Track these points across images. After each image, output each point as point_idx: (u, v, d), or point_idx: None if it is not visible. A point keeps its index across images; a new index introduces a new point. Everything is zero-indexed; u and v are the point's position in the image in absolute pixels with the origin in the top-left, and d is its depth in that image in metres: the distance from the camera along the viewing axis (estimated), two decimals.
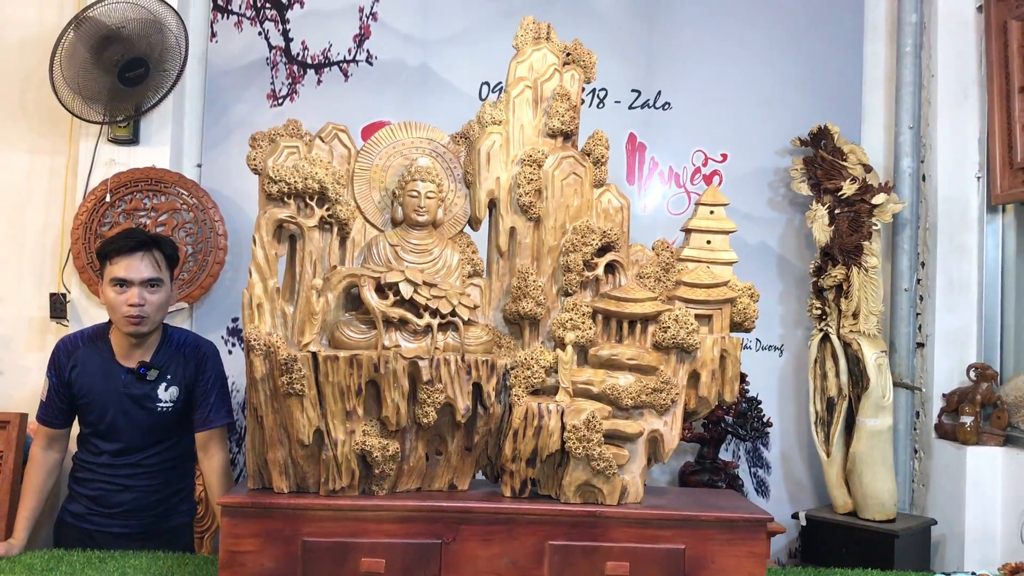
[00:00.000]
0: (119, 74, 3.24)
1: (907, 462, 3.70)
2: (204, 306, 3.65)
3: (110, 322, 2.73)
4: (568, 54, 2.44)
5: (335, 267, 2.22)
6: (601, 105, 3.81)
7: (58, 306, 3.43)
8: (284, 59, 3.73)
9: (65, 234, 3.51)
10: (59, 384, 2.70)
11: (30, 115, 3.65)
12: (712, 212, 2.42)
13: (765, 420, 3.59)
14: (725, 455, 3.65)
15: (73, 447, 2.83)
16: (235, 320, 3.67)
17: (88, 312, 3.46)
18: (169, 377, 2.71)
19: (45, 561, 2.53)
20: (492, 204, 2.35)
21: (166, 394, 2.70)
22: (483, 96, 3.75)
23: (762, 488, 3.74)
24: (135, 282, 2.60)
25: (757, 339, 3.78)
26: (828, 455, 3.49)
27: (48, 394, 2.71)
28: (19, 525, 2.69)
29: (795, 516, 3.56)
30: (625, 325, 2.26)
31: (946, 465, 3.54)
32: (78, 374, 2.68)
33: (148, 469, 2.74)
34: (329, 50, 3.74)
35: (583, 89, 2.52)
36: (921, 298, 3.75)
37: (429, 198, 2.27)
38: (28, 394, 3.50)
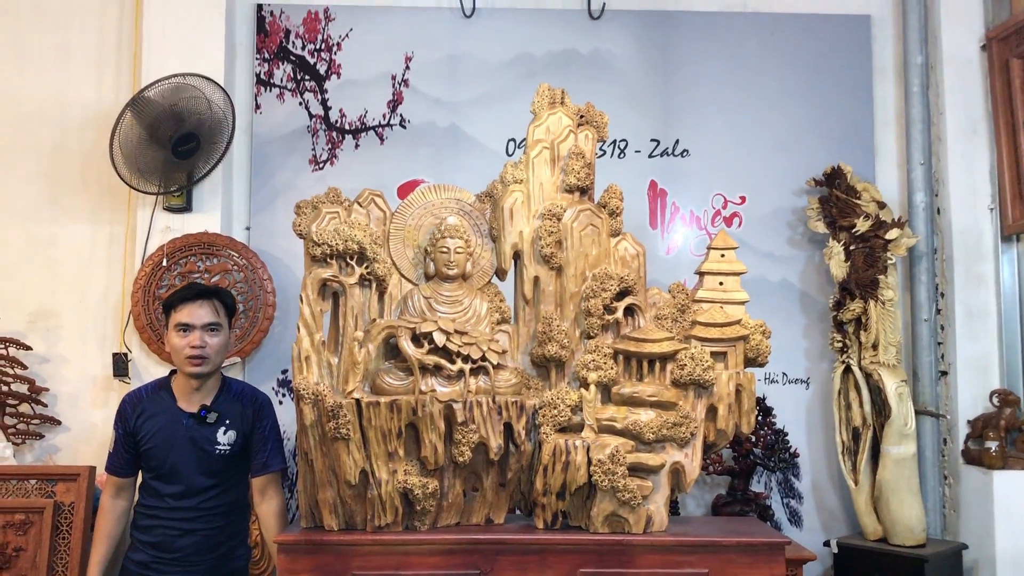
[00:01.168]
0: (173, 148, 3.51)
1: (936, 488, 3.79)
2: (255, 360, 3.87)
3: (172, 373, 2.95)
4: (582, 116, 2.64)
5: (375, 320, 2.43)
6: (622, 155, 4.00)
7: (120, 365, 3.67)
8: (324, 126, 3.98)
9: (126, 297, 3.77)
10: (125, 435, 2.90)
11: (91, 188, 3.93)
12: (723, 255, 2.59)
13: (792, 451, 3.70)
14: (757, 486, 3.76)
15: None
16: (284, 372, 3.87)
17: (148, 370, 3.70)
18: (228, 422, 2.91)
19: None
20: (516, 256, 2.54)
21: (224, 437, 2.90)
22: (510, 152, 3.96)
23: (795, 518, 3.83)
24: (197, 326, 2.82)
25: (784, 373, 3.91)
26: (856, 483, 3.59)
27: (115, 445, 2.91)
28: (91, 570, 2.84)
29: (827, 544, 3.66)
30: (645, 364, 2.43)
31: (974, 490, 3.62)
32: (143, 422, 2.89)
33: (206, 512, 2.92)
34: (365, 116, 3.99)
35: (599, 144, 2.71)
36: (942, 327, 3.86)
37: (458, 253, 2.48)
38: (95, 448, 3.74)
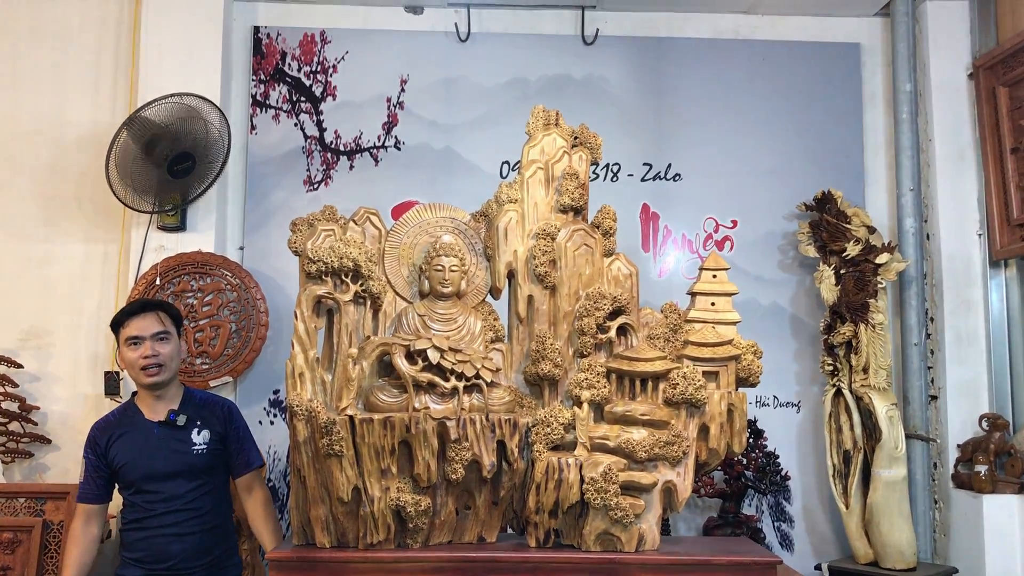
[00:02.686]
0: (168, 167, 3.53)
1: (927, 512, 3.79)
2: (247, 380, 3.87)
3: (133, 394, 2.99)
4: (576, 137, 2.67)
5: (369, 337, 2.44)
6: (615, 179, 4.03)
7: (112, 383, 3.66)
8: (319, 147, 4.01)
9: None
10: (97, 461, 2.92)
11: (85, 207, 3.93)
12: (715, 276, 2.61)
13: (783, 474, 3.71)
14: (748, 509, 3.77)
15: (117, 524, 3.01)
16: (276, 392, 3.87)
17: None
18: (199, 423, 2.94)
19: None
20: (511, 275, 2.56)
21: (199, 437, 2.93)
22: (504, 174, 3.99)
23: (786, 542, 3.84)
24: (146, 337, 2.87)
25: (775, 396, 3.93)
26: (847, 507, 3.60)
27: (86, 473, 2.93)
28: None
29: (818, 567, 3.66)
30: (637, 383, 2.45)
31: (964, 514, 3.63)
32: (115, 445, 2.91)
33: (193, 513, 2.91)
34: (360, 137, 4.02)
35: (592, 168, 2.74)
36: (932, 352, 3.88)
37: (453, 271, 2.49)
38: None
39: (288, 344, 3.82)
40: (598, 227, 2.61)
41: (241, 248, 3.97)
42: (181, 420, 2.91)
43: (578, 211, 2.61)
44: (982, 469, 3.54)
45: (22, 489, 3.37)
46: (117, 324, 2.97)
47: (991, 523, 3.49)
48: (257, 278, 3.81)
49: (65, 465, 3.79)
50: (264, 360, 3.84)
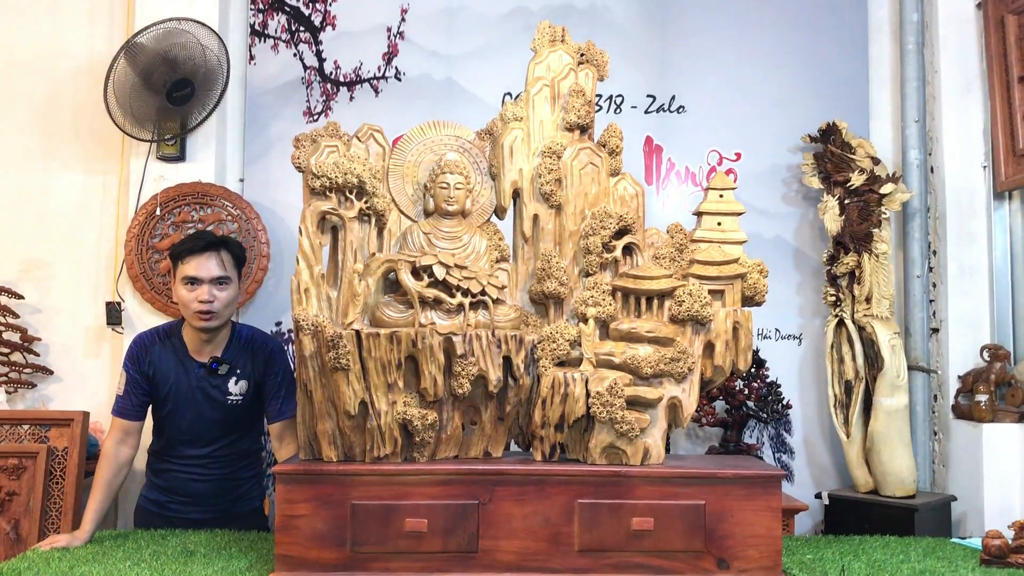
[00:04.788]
0: (167, 94, 3.49)
1: (926, 443, 3.82)
2: (249, 311, 3.87)
3: (181, 320, 2.93)
4: (582, 54, 2.64)
5: (373, 254, 2.42)
6: (618, 110, 4.00)
7: (114, 314, 3.66)
8: (318, 78, 3.96)
9: (119, 246, 3.75)
10: (138, 377, 2.87)
11: (83, 138, 3.90)
12: (721, 196, 2.59)
13: (785, 402, 3.73)
14: (749, 440, 3.79)
15: (147, 439, 3.00)
16: (278, 324, 3.87)
17: (141, 319, 3.69)
18: (239, 371, 2.90)
19: (113, 538, 2.74)
20: (516, 194, 2.54)
21: (236, 387, 2.90)
22: (503, 105, 3.94)
23: (786, 472, 3.87)
24: (205, 280, 2.79)
25: (776, 329, 3.93)
26: (848, 436, 3.62)
27: (125, 388, 2.87)
28: (87, 518, 2.74)
29: (818, 496, 3.69)
30: (643, 301, 2.44)
31: (964, 444, 3.66)
32: (156, 367, 2.87)
33: (219, 460, 2.93)
34: (360, 68, 3.97)
35: (595, 99, 2.70)
36: (934, 285, 3.88)
37: (458, 189, 2.47)
38: (87, 398, 3.73)
39: (290, 276, 3.85)
40: (604, 146, 2.58)
41: (241, 180, 3.94)
42: (223, 370, 2.87)
43: (584, 129, 2.58)
44: (983, 399, 3.55)
45: (26, 416, 3.38)
46: (176, 257, 2.85)
47: (990, 452, 3.52)
48: (257, 210, 3.79)
49: (67, 396, 3.80)
50: (265, 291, 3.84)
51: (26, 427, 3.34)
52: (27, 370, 3.72)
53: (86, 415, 3.36)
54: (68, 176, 3.89)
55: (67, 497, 3.28)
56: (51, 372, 3.78)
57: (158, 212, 3.65)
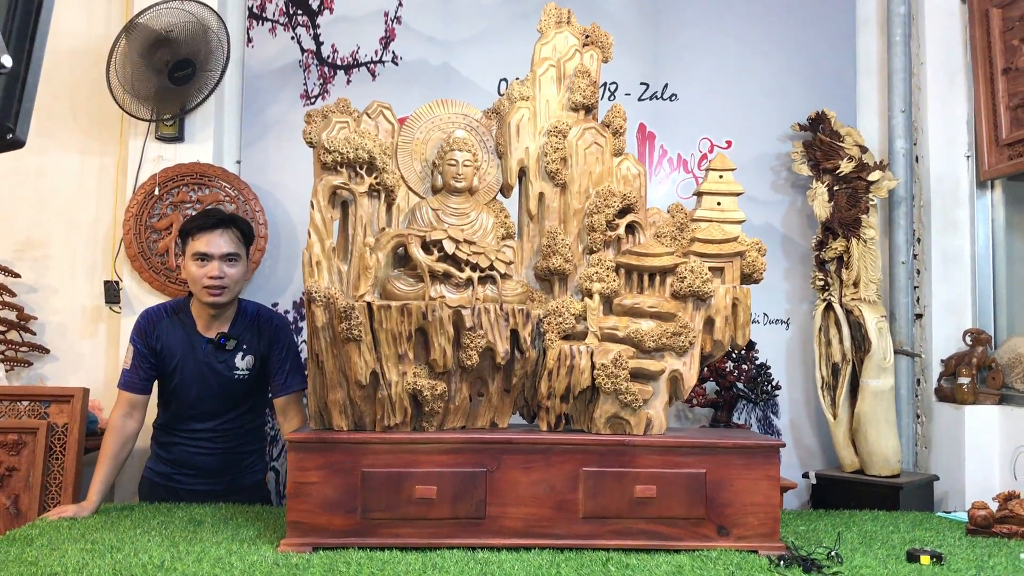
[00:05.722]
0: (168, 74, 3.51)
1: (910, 425, 3.92)
2: (246, 291, 3.88)
3: (189, 296, 2.96)
4: (587, 36, 2.70)
5: (383, 229, 2.47)
6: (612, 98, 4.06)
7: (112, 292, 3.68)
8: (316, 61, 3.99)
9: (117, 226, 3.77)
10: (146, 351, 2.90)
11: (80, 119, 3.91)
12: (721, 176, 2.67)
13: (774, 383, 3.81)
14: (738, 422, 3.87)
15: (152, 414, 3.03)
16: (275, 305, 3.90)
17: (139, 298, 3.71)
18: (245, 347, 2.94)
19: (119, 510, 2.77)
20: (522, 172, 2.60)
21: (243, 363, 2.94)
22: (501, 92, 4.00)
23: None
24: (215, 256, 2.83)
25: (765, 313, 4.02)
26: (835, 417, 3.71)
27: (133, 361, 2.90)
28: (93, 488, 2.78)
29: (806, 475, 3.78)
30: (646, 277, 2.51)
31: (946, 426, 3.76)
32: (163, 340, 2.91)
33: (225, 433, 2.97)
34: (357, 52, 4.01)
35: (601, 67, 2.77)
36: (918, 271, 3.98)
37: (466, 166, 2.53)
38: (83, 377, 3.75)
39: (286, 258, 3.91)
40: (608, 126, 2.64)
41: (238, 162, 3.97)
42: (230, 345, 2.91)
43: (589, 109, 2.64)
44: (965, 381, 3.65)
45: (26, 392, 3.39)
46: (187, 233, 2.89)
47: (972, 433, 3.62)
48: (254, 191, 3.82)
49: (63, 375, 3.81)
50: (263, 273, 3.87)
51: (26, 403, 3.35)
52: (23, 348, 3.73)
53: (86, 391, 3.38)
54: (65, 157, 3.90)
55: (67, 473, 3.29)
56: (47, 351, 3.80)
57: (157, 192, 3.68)
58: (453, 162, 2.52)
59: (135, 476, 3.31)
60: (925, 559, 2.27)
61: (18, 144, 1.35)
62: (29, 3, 1.28)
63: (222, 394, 2.93)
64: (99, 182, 3.89)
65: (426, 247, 2.41)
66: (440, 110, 2.60)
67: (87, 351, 3.82)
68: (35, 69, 1.32)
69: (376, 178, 2.45)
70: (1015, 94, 3.63)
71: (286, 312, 3.84)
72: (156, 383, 2.97)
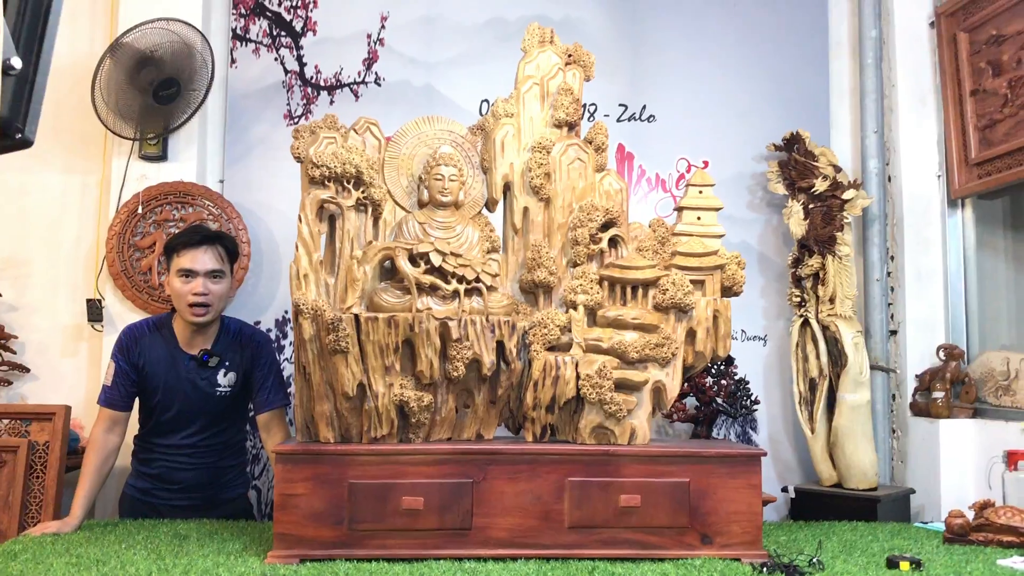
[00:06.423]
0: (153, 93, 3.53)
1: (886, 440, 3.98)
2: (229, 310, 3.86)
3: (171, 312, 2.98)
4: (570, 55, 2.76)
5: (370, 242, 2.50)
6: (592, 118, 4.12)
7: (94, 310, 3.68)
8: (299, 82, 4.03)
9: (100, 244, 3.77)
10: (128, 368, 2.91)
11: (63, 138, 3.92)
12: (701, 192, 2.73)
13: (753, 398, 3.86)
14: (718, 437, 3.91)
15: (133, 430, 3.03)
16: (257, 323, 3.90)
17: (121, 316, 3.70)
18: (228, 364, 2.95)
19: (102, 526, 2.76)
20: (507, 187, 2.65)
21: (225, 379, 2.95)
22: (483, 112, 4.06)
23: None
24: (200, 273, 2.85)
25: (743, 330, 4.07)
26: (812, 432, 3.76)
27: (114, 378, 2.91)
28: (76, 504, 2.78)
29: (784, 490, 3.82)
30: (629, 290, 2.55)
31: (921, 440, 3.82)
32: (146, 357, 2.91)
33: (205, 449, 2.97)
34: (340, 73, 4.05)
35: (583, 86, 2.83)
36: (892, 288, 4.06)
37: (452, 181, 2.57)
38: (63, 396, 3.71)
39: (269, 276, 3.93)
40: (591, 143, 2.70)
41: (221, 181, 3.98)
42: (213, 362, 2.93)
43: (572, 126, 2.70)
44: (939, 396, 3.72)
45: (7, 410, 3.37)
46: (171, 249, 2.91)
47: (946, 447, 3.68)
48: (237, 211, 3.84)
49: (44, 395, 3.79)
50: (245, 291, 3.88)
51: (6, 422, 3.32)
52: (3, 368, 3.71)
53: (68, 409, 3.36)
54: (48, 175, 3.90)
55: (48, 491, 3.27)
56: (27, 370, 3.77)
57: (140, 210, 3.68)
58: (439, 177, 2.57)
59: (115, 493, 3.29)
60: (905, 565, 2.31)
61: (27, 144, 1.38)
62: (38, 5, 1.32)
63: (204, 410, 2.94)
64: (82, 200, 3.89)
65: (413, 260, 2.44)
66: (426, 126, 2.65)
67: (68, 370, 3.80)
68: (43, 71, 1.35)
69: (363, 192, 2.49)
70: (983, 115, 3.72)
71: (268, 330, 3.85)
72: (137, 399, 2.97)
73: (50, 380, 3.81)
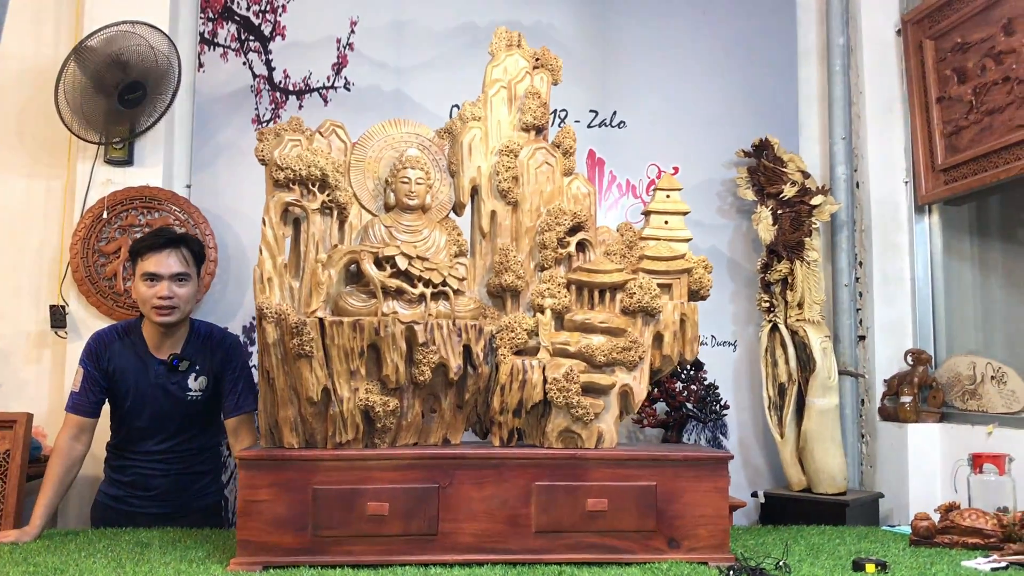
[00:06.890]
0: (119, 97, 3.49)
1: (855, 445, 4.00)
2: (196, 315, 3.83)
3: (140, 318, 2.94)
4: (537, 59, 2.76)
5: (336, 246, 2.48)
6: (562, 124, 4.12)
7: (58, 317, 3.62)
8: (267, 87, 4.00)
9: (64, 250, 3.71)
10: (97, 374, 2.87)
11: (27, 142, 3.86)
12: (668, 196, 2.73)
13: (723, 403, 3.86)
14: (688, 442, 3.91)
15: (104, 437, 2.98)
16: (224, 328, 3.86)
17: (86, 323, 3.64)
18: (198, 367, 2.92)
19: (63, 535, 2.72)
20: (474, 191, 2.64)
21: (195, 384, 2.91)
22: (453, 118, 4.04)
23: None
24: (164, 276, 2.82)
25: (712, 335, 4.08)
26: (782, 436, 3.77)
27: (82, 384, 2.87)
28: (36, 513, 2.73)
29: (754, 494, 3.83)
30: (596, 294, 2.55)
31: (890, 444, 3.84)
32: (115, 363, 2.87)
33: (178, 455, 2.93)
34: (309, 78, 4.03)
35: (551, 90, 2.82)
36: (860, 294, 4.08)
37: (419, 184, 2.55)
38: (26, 405, 3.65)
39: (236, 282, 3.89)
40: (559, 146, 2.69)
41: (188, 186, 3.94)
42: (183, 366, 2.89)
43: (539, 130, 2.69)
44: (907, 400, 3.74)
45: None
46: (136, 253, 2.88)
47: (914, 450, 3.71)
48: (204, 215, 3.80)
49: (5, 403, 3.72)
50: (212, 297, 3.84)
51: None
52: None
53: (29, 417, 3.30)
54: (11, 179, 3.84)
55: (8, 500, 3.21)
56: None
57: (105, 215, 3.64)
58: (406, 180, 2.55)
59: (83, 501, 3.24)
60: (870, 567, 2.31)
61: None
62: None
63: (175, 415, 2.91)
64: (46, 206, 3.84)
65: (379, 263, 2.42)
66: (393, 129, 2.63)
67: (31, 377, 3.74)
68: None
69: (328, 195, 2.47)
70: (949, 121, 3.76)
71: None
72: (108, 405, 2.93)
73: (12, 387, 3.74)
